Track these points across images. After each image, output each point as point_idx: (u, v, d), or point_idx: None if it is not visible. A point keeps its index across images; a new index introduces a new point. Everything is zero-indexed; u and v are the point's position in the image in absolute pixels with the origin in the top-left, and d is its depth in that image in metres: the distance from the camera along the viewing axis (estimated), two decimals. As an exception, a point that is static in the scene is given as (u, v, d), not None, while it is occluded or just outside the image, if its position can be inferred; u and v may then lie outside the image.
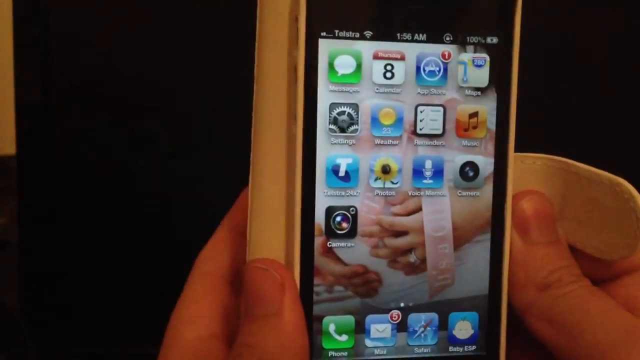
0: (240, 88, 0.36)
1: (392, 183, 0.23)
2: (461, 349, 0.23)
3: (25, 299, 0.40)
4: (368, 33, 0.22)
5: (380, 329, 0.23)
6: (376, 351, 0.23)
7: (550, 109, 0.39)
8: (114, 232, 0.40)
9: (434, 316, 0.23)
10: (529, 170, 0.24)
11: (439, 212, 0.23)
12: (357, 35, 0.22)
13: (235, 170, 0.39)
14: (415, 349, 0.23)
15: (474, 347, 0.23)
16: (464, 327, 0.23)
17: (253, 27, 0.22)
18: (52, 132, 0.39)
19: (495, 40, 0.23)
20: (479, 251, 0.23)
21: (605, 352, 0.20)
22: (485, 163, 0.23)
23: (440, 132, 0.23)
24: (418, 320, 0.23)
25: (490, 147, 0.23)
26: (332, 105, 0.22)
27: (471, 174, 0.23)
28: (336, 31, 0.22)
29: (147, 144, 0.39)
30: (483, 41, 0.23)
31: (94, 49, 0.39)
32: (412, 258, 0.23)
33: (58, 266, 0.40)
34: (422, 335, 0.23)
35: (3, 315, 0.42)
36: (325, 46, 0.22)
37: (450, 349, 0.23)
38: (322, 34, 0.21)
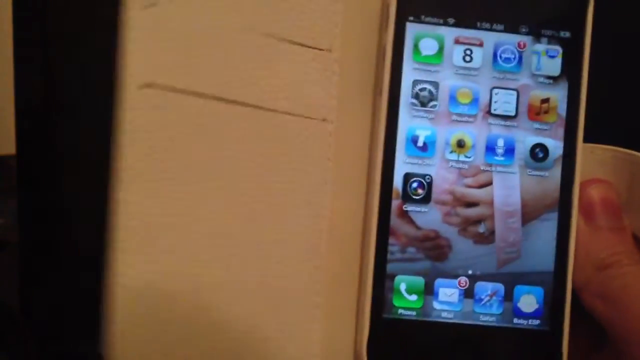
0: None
1: (466, 157, 0.24)
2: (525, 322, 0.24)
3: (25, 299, 0.40)
4: (451, 20, 0.24)
5: (448, 293, 0.24)
6: (443, 314, 0.24)
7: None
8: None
9: (499, 287, 0.24)
10: (597, 160, 0.25)
11: (509, 188, 0.24)
12: (441, 21, 0.24)
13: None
14: (481, 316, 0.24)
15: (537, 322, 0.24)
16: (528, 301, 0.24)
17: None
18: (52, 132, 0.39)
19: (568, 34, 0.25)
20: (546, 229, 0.24)
21: None
22: (555, 146, 0.25)
23: (513, 114, 0.25)
24: (484, 289, 0.24)
25: (561, 132, 0.25)
26: (415, 82, 0.24)
27: (541, 155, 0.25)
28: (422, 16, 0.24)
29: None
30: (557, 34, 0.25)
31: (94, 49, 0.39)
32: (481, 229, 0.24)
33: (58, 266, 0.40)
34: (488, 304, 0.24)
35: (3, 315, 0.42)
36: (412, 29, 0.24)
37: (515, 320, 0.24)
38: (409, 18, 0.24)
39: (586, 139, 0.25)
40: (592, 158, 0.25)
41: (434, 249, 0.24)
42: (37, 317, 0.40)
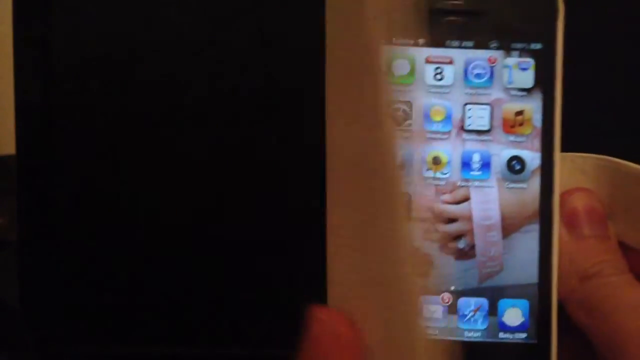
0: (244, 88, 0.36)
1: (442, 173, 0.24)
2: (511, 336, 0.24)
3: (25, 299, 0.40)
4: (421, 40, 0.24)
5: (431, 309, 0.24)
6: (427, 331, 0.23)
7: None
8: (114, 232, 0.40)
9: (483, 301, 0.24)
10: (579, 169, 0.25)
11: (487, 202, 0.24)
12: (411, 42, 0.24)
13: (233, 171, 0.39)
14: (466, 332, 0.24)
15: (524, 335, 0.24)
16: (514, 314, 0.24)
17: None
18: (52, 132, 0.39)
19: (539, 46, 0.25)
20: (528, 241, 0.24)
21: (629, 338, 0.21)
22: (532, 157, 0.25)
23: (487, 128, 0.25)
24: (468, 304, 0.24)
25: (537, 143, 0.25)
26: None
27: (518, 167, 0.25)
28: (393, 39, 0.24)
29: (148, 143, 0.39)
30: (527, 47, 0.25)
31: (94, 48, 0.39)
32: (461, 244, 0.24)
33: (58, 266, 0.40)
34: (472, 319, 0.24)
35: (3, 315, 0.42)
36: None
37: (501, 335, 0.24)
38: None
39: (566, 149, 0.25)
40: (573, 167, 0.25)
41: None
42: (37, 317, 0.40)
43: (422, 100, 0.24)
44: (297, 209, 0.39)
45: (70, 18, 0.39)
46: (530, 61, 0.25)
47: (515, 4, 0.25)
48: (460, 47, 0.25)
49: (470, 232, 0.24)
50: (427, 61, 0.24)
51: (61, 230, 0.40)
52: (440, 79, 0.24)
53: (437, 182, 0.24)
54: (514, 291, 0.24)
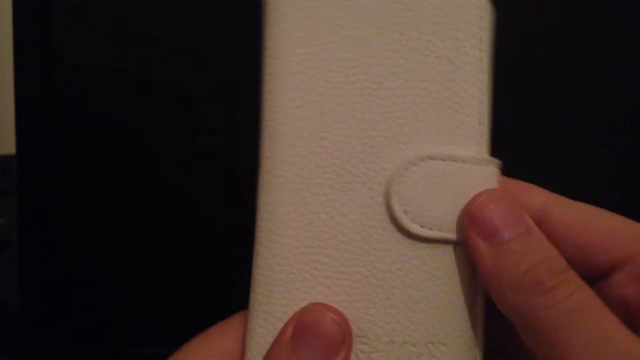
0: (242, 86, 0.36)
1: None
2: None
3: (25, 299, 0.40)
4: None
5: None
6: None
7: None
8: (114, 233, 0.40)
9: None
10: None
11: None
12: None
13: (230, 171, 0.39)
14: None
15: None
16: None
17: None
18: (52, 132, 0.39)
19: None
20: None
21: (571, 353, 0.18)
22: None
23: None
24: None
25: None
26: None
27: None
28: None
29: (148, 143, 0.39)
30: None
31: (94, 48, 0.39)
32: None
33: (58, 266, 0.40)
34: None
35: (3, 315, 0.42)
36: None
37: None
38: None
39: None
40: None
41: None
42: (37, 317, 0.40)
43: None
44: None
45: (70, 19, 0.39)
46: None
47: None
48: None
49: None
50: None
51: (61, 230, 0.40)
52: None
53: None
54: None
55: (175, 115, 0.39)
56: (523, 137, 0.38)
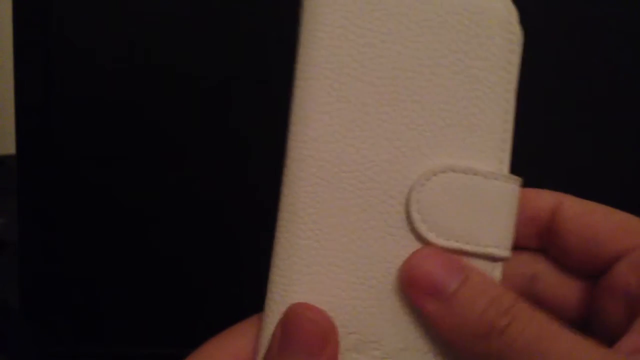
0: (252, 92, 0.36)
1: None
2: None
3: (25, 299, 0.40)
4: None
5: None
6: None
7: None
8: (114, 233, 0.40)
9: None
10: None
11: None
12: None
13: (229, 172, 0.39)
14: None
15: None
16: None
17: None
18: (52, 132, 0.39)
19: None
20: None
21: None
22: None
23: None
24: None
25: None
26: None
27: None
28: None
29: (148, 143, 0.39)
30: None
31: (94, 48, 0.39)
32: None
33: (58, 266, 0.40)
34: None
35: (3, 315, 0.42)
36: None
37: None
38: None
39: None
40: None
41: None
42: (37, 317, 0.40)
43: None
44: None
45: (70, 18, 0.39)
46: None
47: None
48: None
49: None
50: None
51: (61, 230, 0.40)
52: None
53: None
54: None
55: (176, 115, 0.39)
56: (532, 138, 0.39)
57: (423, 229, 0.21)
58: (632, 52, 0.39)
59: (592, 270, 0.23)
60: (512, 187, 0.22)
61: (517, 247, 0.23)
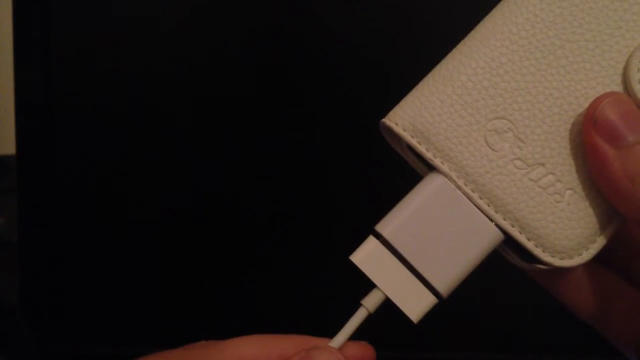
0: (244, 99, 0.36)
1: None
2: None
3: (25, 299, 0.40)
4: None
5: None
6: None
7: None
8: (114, 233, 0.40)
9: None
10: None
11: None
12: None
13: (229, 173, 0.39)
14: None
15: None
16: None
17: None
18: (52, 132, 0.39)
19: None
20: None
21: None
22: None
23: None
24: None
25: None
26: None
27: None
28: None
29: (148, 143, 0.39)
30: None
31: (95, 48, 0.39)
32: None
33: (58, 266, 0.40)
34: None
35: (3, 315, 0.42)
36: None
37: None
38: None
39: None
40: None
41: None
42: (37, 317, 0.40)
43: None
44: (297, 216, 0.39)
45: (70, 18, 0.39)
46: None
47: None
48: None
49: None
50: None
51: (61, 230, 0.40)
52: None
53: None
54: None
55: (176, 115, 0.39)
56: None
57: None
58: None
59: None
60: None
61: None
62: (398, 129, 0.21)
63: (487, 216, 0.21)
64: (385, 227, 0.21)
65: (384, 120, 0.22)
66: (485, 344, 0.38)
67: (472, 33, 0.21)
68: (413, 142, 0.21)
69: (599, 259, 0.22)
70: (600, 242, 0.20)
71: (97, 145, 0.40)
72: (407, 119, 0.21)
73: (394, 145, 0.23)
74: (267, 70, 0.39)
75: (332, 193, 0.39)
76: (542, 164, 0.21)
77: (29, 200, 0.40)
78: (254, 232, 0.39)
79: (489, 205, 0.21)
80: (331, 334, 0.22)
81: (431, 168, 0.21)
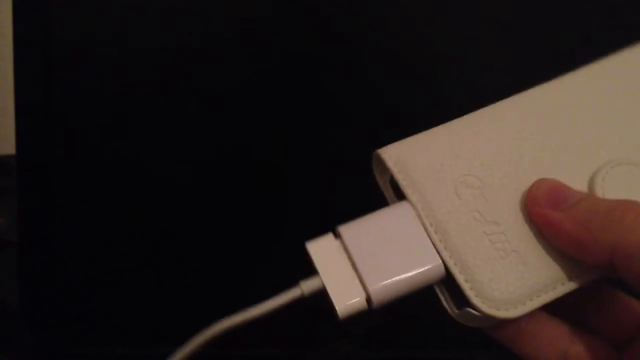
0: (245, 101, 0.36)
1: None
2: None
3: (25, 299, 0.40)
4: None
5: None
6: None
7: None
8: (114, 233, 0.40)
9: None
10: None
11: None
12: None
13: (229, 174, 0.39)
14: None
15: None
16: None
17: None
18: (52, 132, 0.39)
19: None
20: None
21: None
22: None
23: None
24: None
25: None
26: None
27: None
28: None
29: (148, 144, 0.39)
30: None
31: (95, 48, 0.39)
32: None
33: (58, 266, 0.40)
34: None
35: (3, 315, 0.42)
36: None
37: None
38: None
39: None
40: None
41: None
42: (37, 317, 0.40)
43: None
44: (294, 214, 0.39)
45: (70, 18, 0.39)
46: None
47: None
48: None
49: None
50: None
51: (61, 230, 0.40)
52: None
53: None
54: None
55: (177, 115, 0.39)
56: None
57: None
58: None
59: (615, 343, 0.23)
60: None
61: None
62: (386, 159, 0.24)
63: (436, 249, 0.23)
64: (345, 228, 0.23)
65: (378, 151, 0.25)
66: (485, 343, 0.38)
67: (476, 113, 0.25)
68: (394, 169, 0.24)
69: (549, 309, 0.23)
70: (531, 305, 0.22)
71: (97, 145, 0.40)
72: (395, 154, 0.24)
73: (378, 176, 0.26)
74: (268, 67, 0.39)
75: (332, 192, 0.39)
76: (497, 223, 0.23)
77: (29, 200, 0.40)
78: (256, 232, 0.39)
79: (440, 241, 0.23)
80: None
81: (403, 198, 0.24)
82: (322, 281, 0.22)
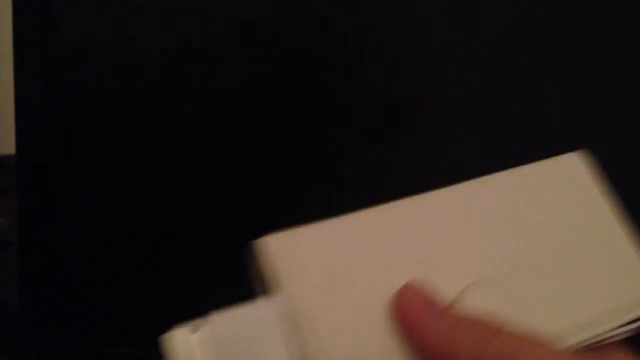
0: (246, 102, 0.36)
1: None
2: None
3: (25, 299, 0.40)
4: None
5: None
6: None
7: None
8: (114, 233, 0.40)
9: None
10: None
11: None
12: None
13: (230, 174, 0.39)
14: None
15: None
16: None
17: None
18: (52, 132, 0.39)
19: None
20: None
21: None
22: None
23: None
24: None
25: None
26: None
27: None
28: None
29: (148, 144, 0.39)
30: None
31: (95, 48, 0.39)
32: None
33: (58, 267, 0.40)
34: None
35: (3, 315, 0.42)
36: None
37: None
38: None
39: None
40: None
41: None
42: (37, 317, 0.40)
43: None
44: (294, 214, 0.39)
45: (70, 18, 0.39)
46: None
47: None
48: None
49: None
50: None
51: (61, 230, 0.40)
52: None
53: None
54: None
55: (177, 115, 0.39)
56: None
57: None
58: None
59: None
60: None
61: None
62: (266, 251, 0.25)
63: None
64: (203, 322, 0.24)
65: (258, 240, 0.25)
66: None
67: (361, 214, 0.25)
68: (268, 263, 0.24)
69: None
70: None
71: (97, 145, 0.40)
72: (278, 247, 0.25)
73: (252, 266, 0.26)
74: (269, 65, 0.39)
75: (332, 190, 0.39)
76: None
77: (29, 200, 0.40)
78: (255, 232, 0.39)
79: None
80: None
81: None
82: None
